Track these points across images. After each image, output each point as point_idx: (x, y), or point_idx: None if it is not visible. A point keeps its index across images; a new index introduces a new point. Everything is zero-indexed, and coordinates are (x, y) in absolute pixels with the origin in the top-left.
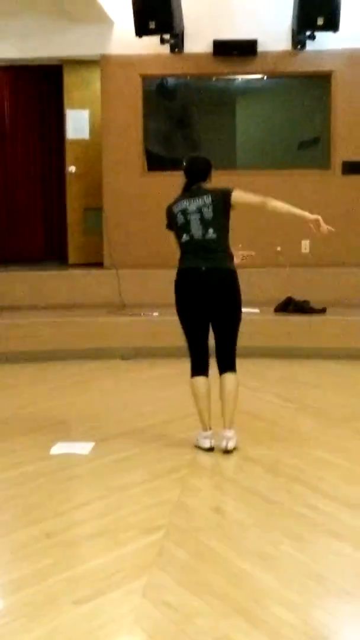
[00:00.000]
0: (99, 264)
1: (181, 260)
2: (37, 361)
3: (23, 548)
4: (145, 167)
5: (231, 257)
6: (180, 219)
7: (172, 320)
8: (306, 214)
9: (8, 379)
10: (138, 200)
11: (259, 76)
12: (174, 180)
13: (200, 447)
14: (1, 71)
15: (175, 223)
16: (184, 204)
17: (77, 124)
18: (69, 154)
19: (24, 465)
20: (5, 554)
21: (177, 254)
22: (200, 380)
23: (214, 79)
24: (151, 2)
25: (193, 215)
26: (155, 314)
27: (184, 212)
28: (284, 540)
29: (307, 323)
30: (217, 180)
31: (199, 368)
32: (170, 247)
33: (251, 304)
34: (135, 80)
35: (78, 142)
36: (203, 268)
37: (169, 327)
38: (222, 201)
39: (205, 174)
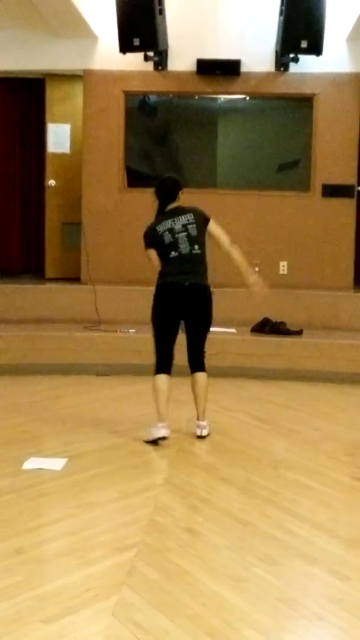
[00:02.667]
0: (76, 279)
1: (165, 273)
2: (11, 375)
3: None
4: (125, 184)
5: (207, 272)
6: (167, 237)
7: (148, 337)
8: (250, 275)
9: None
10: (117, 216)
11: (241, 96)
12: (153, 197)
13: (153, 438)
14: None
15: (161, 242)
16: (169, 223)
17: (58, 138)
18: (49, 168)
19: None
20: None
21: (154, 272)
22: (163, 377)
23: (196, 98)
24: (135, 19)
25: (180, 233)
26: (132, 330)
27: (171, 231)
28: (256, 563)
29: (282, 344)
30: (198, 198)
31: (164, 366)
32: (148, 264)
33: (228, 324)
34: (118, 96)
35: (59, 156)
36: (186, 283)
37: (145, 345)
38: (202, 222)
39: (178, 193)
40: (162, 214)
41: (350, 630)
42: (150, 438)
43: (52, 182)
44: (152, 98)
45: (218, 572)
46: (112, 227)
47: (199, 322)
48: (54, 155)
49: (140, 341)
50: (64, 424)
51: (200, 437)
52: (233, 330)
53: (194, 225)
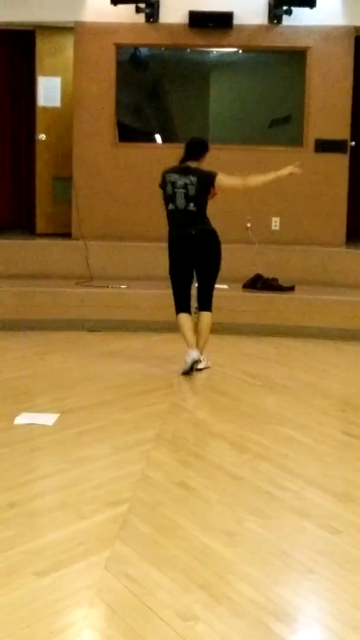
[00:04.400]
0: (67, 235)
1: (171, 227)
2: (1, 330)
3: None
4: (117, 138)
5: (208, 222)
6: (169, 189)
7: (140, 293)
8: (280, 172)
9: None
10: (108, 171)
11: (233, 50)
12: (145, 152)
13: (188, 364)
14: None
15: (165, 190)
16: (175, 176)
17: (49, 91)
18: (40, 122)
19: None
20: None
21: (145, 225)
22: (184, 316)
23: (188, 51)
24: None
25: (179, 189)
26: (123, 286)
27: (173, 184)
28: (248, 517)
29: (274, 301)
30: None
31: (182, 307)
32: (139, 219)
33: (220, 280)
34: (109, 49)
35: (49, 110)
36: (193, 232)
37: (136, 300)
38: (206, 183)
39: (200, 154)
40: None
41: (341, 582)
42: (186, 366)
43: (42, 136)
44: (144, 51)
45: (210, 526)
46: (103, 181)
47: (208, 265)
48: (45, 109)
49: (132, 297)
50: (55, 380)
51: (197, 369)
52: (225, 286)
53: (194, 186)
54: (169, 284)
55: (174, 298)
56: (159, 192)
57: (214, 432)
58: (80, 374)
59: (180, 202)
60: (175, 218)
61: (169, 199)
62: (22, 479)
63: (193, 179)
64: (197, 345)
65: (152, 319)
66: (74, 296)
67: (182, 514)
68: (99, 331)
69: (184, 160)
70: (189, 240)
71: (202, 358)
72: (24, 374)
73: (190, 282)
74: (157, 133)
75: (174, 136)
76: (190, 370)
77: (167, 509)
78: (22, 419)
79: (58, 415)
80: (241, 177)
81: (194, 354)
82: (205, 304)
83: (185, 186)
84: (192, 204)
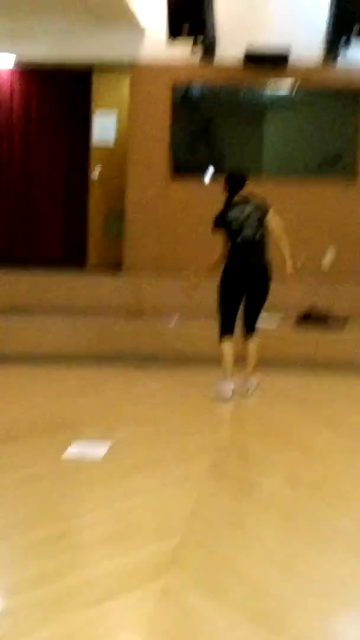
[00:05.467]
0: (118, 268)
1: (233, 253)
2: (52, 362)
3: (36, 548)
4: (170, 174)
5: (268, 255)
6: (234, 225)
7: (191, 327)
8: (289, 265)
9: (22, 379)
10: (161, 207)
11: (288, 87)
12: (198, 188)
13: (223, 394)
14: (29, 73)
15: (229, 228)
16: (236, 212)
17: (104, 128)
18: (94, 158)
19: (38, 466)
20: (17, 553)
21: (197, 259)
22: (228, 344)
23: (243, 88)
24: (185, 5)
25: (245, 221)
26: (174, 320)
27: (237, 219)
28: (302, 552)
29: (326, 334)
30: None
31: (227, 331)
32: (190, 253)
33: (273, 309)
34: (165, 87)
35: (103, 147)
36: (252, 261)
37: (186, 334)
38: (262, 212)
39: (242, 185)
40: (231, 203)
41: None
42: (221, 395)
43: (96, 172)
44: (199, 88)
45: (264, 559)
46: (156, 217)
47: (259, 295)
48: (99, 145)
49: (182, 330)
50: (105, 412)
51: (249, 392)
52: (277, 318)
53: (255, 214)
54: (215, 315)
55: (221, 322)
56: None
57: (266, 466)
58: (130, 406)
59: (248, 232)
60: (241, 248)
61: (235, 233)
62: (72, 511)
63: (252, 207)
64: (247, 370)
65: (202, 351)
66: (123, 329)
67: (235, 547)
68: (149, 364)
69: (232, 193)
70: (247, 270)
71: (254, 380)
72: (74, 405)
73: (238, 307)
74: (209, 170)
75: (226, 171)
76: (222, 400)
77: (219, 543)
78: (73, 450)
79: (108, 446)
80: (282, 229)
81: (231, 385)
82: (253, 329)
83: (248, 216)
84: (258, 233)
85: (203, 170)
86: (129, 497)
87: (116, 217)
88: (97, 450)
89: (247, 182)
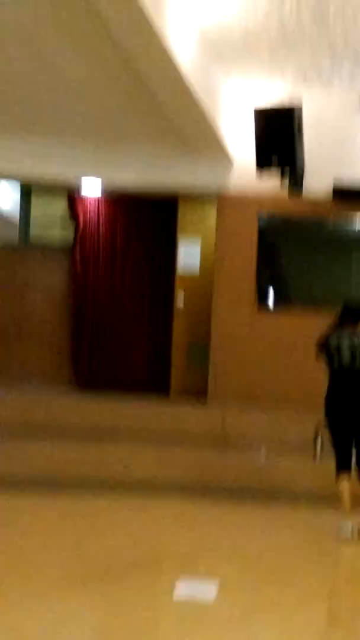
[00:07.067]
0: (201, 399)
1: (332, 384)
2: (139, 492)
3: None
4: (257, 306)
5: None
6: (333, 344)
7: (279, 460)
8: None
9: (112, 509)
10: (248, 340)
11: None
12: (284, 320)
13: (347, 533)
14: (116, 200)
15: (328, 348)
16: (341, 336)
17: (189, 257)
18: (179, 287)
19: (152, 609)
20: None
21: (283, 391)
22: (344, 482)
23: (331, 221)
24: (274, 137)
25: (345, 349)
26: (262, 452)
27: (339, 342)
28: None
29: None
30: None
31: (343, 465)
32: (276, 385)
33: None
34: (252, 219)
35: (188, 276)
36: (351, 384)
37: (275, 466)
38: None
39: (357, 318)
40: (339, 328)
41: None
42: (342, 534)
43: (181, 302)
44: (287, 220)
45: None
46: (242, 350)
47: None
48: (184, 274)
49: (272, 464)
50: (204, 547)
51: None
52: None
53: None
54: (304, 452)
55: (337, 458)
56: (299, 358)
57: None
58: (231, 541)
59: (346, 359)
60: (338, 375)
61: (333, 354)
62: None
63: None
64: None
65: (294, 487)
66: (211, 460)
67: None
68: (238, 496)
69: (344, 322)
70: (347, 393)
71: None
72: (170, 540)
73: (352, 438)
74: (296, 302)
75: (313, 305)
76: (349, 539)
77: None
78: (182, 590)
79: (217, 584)
80: None
81: (349, 525)
82: None
83: (353, 346)
84: (358, 362)
85: (289, 301)
86: None
87: (201, 346)
88: (208, 589)
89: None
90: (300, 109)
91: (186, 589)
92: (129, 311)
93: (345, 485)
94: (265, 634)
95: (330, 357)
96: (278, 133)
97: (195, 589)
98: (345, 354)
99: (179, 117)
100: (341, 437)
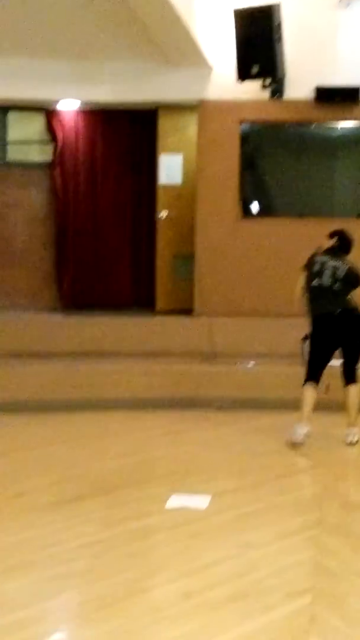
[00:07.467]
0: (187, 312)
1: (312, 305)
2: (129, 410)
3: (163, 609)
4: (241, 214)
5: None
6: (316, 267)
7: (268, 370)
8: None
9: (101, 426)
10: (232, 248)
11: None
12: (269, 228)
13: (295, 437)
14: (95, 114)
15: (311, 269)
16: (325, 258)
17: (170, 169)
18: (161, 200)
19: (140, 519)
20: (145, 615)
21: (270, 301)
22: (310, 389)
23: (313, 126)
24: (254, 47)
25: (328, 269)
26: (252, 363)
27: (323, 264)
28: None
29: None
30: (314, 228)
31: (312, 376)
32: (262, 295)
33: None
34: (233, 126)
35: (170, 188)
36: (336, 312)
37: (264, 378)
38: (353, 281)
39: (346, 250)
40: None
41: None
42: (293, 437)
43: (164, 213)
44: (268, 126)
45: None
46: (226, 258)
47: (353, 342)
48: (166, 186)
49: (259, 374)
50: (196, 460)
51: (351, 443)
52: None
53: (344, 273)
54: (295, 360)
55: (307, 368)
56: (284, 267)
57: None
58: (219, 453)
59: (327, 280)
60: (318, 295)
61: (314, 274)
62: (189, 567)
63: (345, 267)
64: (349, 419)
65: (282, 396)
66: (199, 374)
67: None
68: (228, 410)
69: (335, 251)
70: (333, 321)
71: (356, 430)
72: (161, 454)
73: (329, 360)
74: (280, 208)
75: (297, 211)
76: (295, 445)
77: (355, 600)
78: (174, 502)
79: (210, 497)
80: None
81: (304, 429)
82: (351, 376)
83: (335, 268)
84: (338, 284)
85: (273, 208)
86: (245, 551)
87: (184, 259)
88: (200, 500)
89: (351, 248)
90: (278, 7)
91: (178, 501)
92: (112, 226)
93: (307, 392)
94: (257, 540)
95: (310, 274)
96: (258, 34)
97: (186, 501)
98: (327, 273)
99: (154, 24)
100: (318, 358)
